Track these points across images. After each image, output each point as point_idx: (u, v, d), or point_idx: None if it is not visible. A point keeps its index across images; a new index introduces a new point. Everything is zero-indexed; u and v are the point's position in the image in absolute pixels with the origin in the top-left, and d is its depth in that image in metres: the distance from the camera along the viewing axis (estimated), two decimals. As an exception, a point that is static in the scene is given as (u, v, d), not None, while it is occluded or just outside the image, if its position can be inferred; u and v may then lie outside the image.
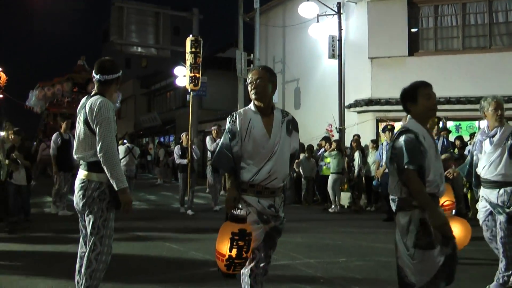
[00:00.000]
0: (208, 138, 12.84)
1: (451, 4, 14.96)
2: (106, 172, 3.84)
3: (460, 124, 14.56)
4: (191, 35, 13.15)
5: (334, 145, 13.07)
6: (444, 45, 15.04)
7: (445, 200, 6.61)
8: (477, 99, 13.64)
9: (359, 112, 15.16)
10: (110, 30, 25.10)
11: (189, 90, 12.91)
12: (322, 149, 13.90)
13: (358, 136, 13.76)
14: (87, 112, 3.96)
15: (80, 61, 26.87)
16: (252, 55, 19.85)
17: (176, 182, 22.92)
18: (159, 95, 38.80)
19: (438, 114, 13.48)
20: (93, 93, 4.16)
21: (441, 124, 13.96)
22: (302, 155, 14.08)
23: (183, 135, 12.42)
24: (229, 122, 3.81)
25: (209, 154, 12.64)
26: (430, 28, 15.19)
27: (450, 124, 14.11)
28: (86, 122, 3.97)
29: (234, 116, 3.86)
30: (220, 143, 3.83)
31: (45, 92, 25.27)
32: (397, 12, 15.02)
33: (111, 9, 24.66)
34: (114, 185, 3.85)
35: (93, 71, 4.17)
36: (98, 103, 3.95)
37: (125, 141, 14.70)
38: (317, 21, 16.41)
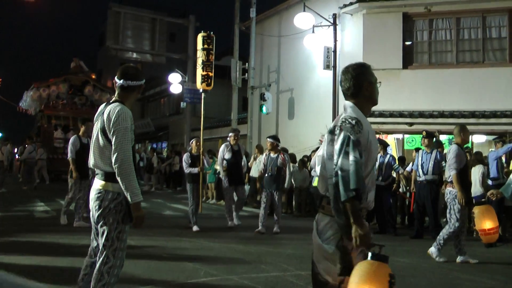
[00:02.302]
0: (224, 146, 11.33)
1: (446, 18, 15.15)
2: (120, 184, 3.70)
3: (453, 138, 14.64)
4: (202, 31, 12.23)
5: None
6: (438, 59, 15.20)
7: (489, 224, 6.67)
8: (471, 113, 13.89)
9: (353, 123, 15.21)
10: (106, 35, 25.10)
11: (201, 91, 12.06)
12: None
13: None
14: (105, 120, 3.81)
15: (73, 63, 26.71)
16: (247, 64, 19.94)
17: (167, 189, 22.93)
18: (153, 101, 38.85)
19: (432, 127, 13.71)
20: (113, 99, 4.00)
21: (434, 138, 14.13)
22: (294, 166, 14.08)
23: (193, 142, 11.26)
24: (355, 132, 2.97)
25: (225, 162, 11.15)
26: (424, 41, 15.37)
27: (443, 138, 14.18)
28: (103, 130, 3.83)
29: (358, 123, 3.03)
30: (353, 160, 2.90)
31: (40, 93, 25.01)
32: (392, 25, 15.18)
33: (107, 13, 24.67)
34: (128, 198, 3.71)
35: (116, 76, 4.02)
36: (116, 111, 3.79)
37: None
38: (313, 32, 16.49)
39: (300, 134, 16.58)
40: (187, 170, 10.82)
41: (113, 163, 3.71)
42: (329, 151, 3.06)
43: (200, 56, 11.58)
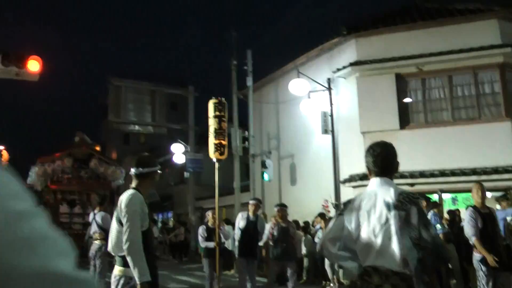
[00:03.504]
0: (240, 215, 10.58)
1: (438, 77, 15.28)
2: (130, 264, 3.84)
3: (456, 196, 14.56)
4: (213, 97, 11.38)
5: (323, 223, 12.99)
6: (434, 117, 15.26)
7: None
8: (472, 170, 13.84)
9: (354, 187, 15.15)
10: (108, 109, 25.44)
11: (214, 160, 10.95)
12: (318, 226, 13.83)
13: (342, 204, 13.53)
14: (118, 208, 4.04)
15: (77, 137, 26.95)
16: (246, 132, 20.06)
17: (174, 259, 22.75)
18: (157, 171, 38.93)
19: (433, 187, 13.65)
20: (130, 187, 4.24)
21: (436, 197, 14.04)
22: (299, 233, 13.96)
23: (209, 213, 10.74)
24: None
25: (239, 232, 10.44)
26: (419, 101, 15.46)
27: (446, 197, 14.12)
28: (117, 218, 4.05)
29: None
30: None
31: (45, 169, 25.11)
32: (386, 86, 15.32)
33: (108, 88, 25.09)
34: (136, 278, 3.82)
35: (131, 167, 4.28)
36: (126, 196, 4.05)
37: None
38: (308, 97, 16.65)
39: (303, 200, 16.50)
40: (203, 244, 10.44)
41: (123, 245, 3.88)
42: (399, 226, 3.00)
43: (212, 124, 10.75)
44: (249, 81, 20.36)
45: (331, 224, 3.36)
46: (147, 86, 26.24)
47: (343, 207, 3.33)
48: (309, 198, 16.71)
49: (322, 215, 14.10)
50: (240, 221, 10.23)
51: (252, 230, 10.23)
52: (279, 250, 10.00)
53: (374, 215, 3.09)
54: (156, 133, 26.98)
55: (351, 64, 15.67)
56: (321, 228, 13.40)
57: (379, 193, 3.15)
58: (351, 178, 15.10)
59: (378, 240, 3.02)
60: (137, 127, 25.95)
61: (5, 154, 50.17)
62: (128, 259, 3.84)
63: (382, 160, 3.33)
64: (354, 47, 16.09)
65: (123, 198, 4.06)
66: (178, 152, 25.04)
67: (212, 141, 10.60)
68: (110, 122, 24.98)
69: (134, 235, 3.88)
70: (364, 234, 3.09)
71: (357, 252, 3.14)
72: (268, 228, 10.30)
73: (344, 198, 15.31)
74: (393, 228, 3.01)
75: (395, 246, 2.99)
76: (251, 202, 10.55)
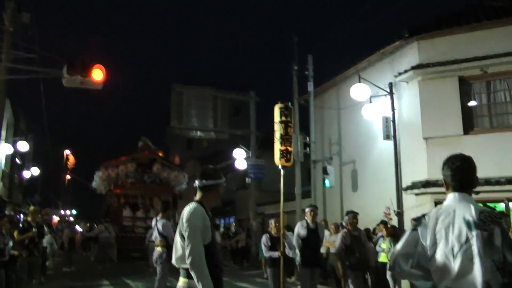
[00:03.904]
0: (299, 224, 10.26)
1: (503, 79, 14.70)
2: (194, 279, 3.87)
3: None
4: (279, 102, 10.95)
5: (384, 231, 12.70)
6: (499, 121, 14.68)
7: None
8: (540, 177, 13.22)
9: (416, 194, 14.81)
10: (170, 115, 25.78)
11: (280, 167, 10.52)
12: (380, 234, 13.52)
13: (415, 219, 13.08)
14: (180, 219, 4.07)
15: (141, 142, 27.49)
16: (308, 137, 19.98)
17: (235, 265, 22.84)
18: (220, 176, 39.26)
19: (500, 195, 13.15)
20: (194, 200, 4.24)
21: (503, 205, 13.51)
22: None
23: (272, 222, 10.32)
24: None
25: (300, 241, 10.08)
26: (483, 104, 14.91)
27: (513, 206, 13.60)
28: (180, 231, 4.06)
29: None
30: None
31: (109, 173, 25.78)
32: (449, 90, 14.86)
33: (170, 94, 25.41)
34: None
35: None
36: (188, 209, 4.05)
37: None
38: (370, 102, 16.40)
39: (365, 206, 16.21)
40: (266, 254, 10.01)
41: (186, 259, 3.91)
42: (481, 248, 2.80)
43: (278, 129, 10.35)
44: (310, 86, 20.32)
45: (403, 239, 3.20)
46: (209, 92, 26.40)
47: (417, 222, 3.17)
48: (371, 205, 16.44)
49: (384, 223, 13.81)
50: (301, 231, 9.96)
51: (314, 239, 10.01)
52: (354, 260, 9.70)
53: (453, 233, 2.92)
54: (218, 138, 27.11)
55: (413, 68, 15.30)
56: (382, 236, 13.11)
57: (457, 210, 2.99)
58: (414, 185, 14.74)
59: (457, 261, 2.84)
60: (199, 133, 26.13)
61: (72, 158, 51.75)
62: (192, 273, 3.87)
63: (462, 174, 3.14)
64: (416, 50, 15.73)
65: (185, 211, 4.06)
66: (240, 158, 25.15)
67: (277, 147, 10.32)
68: (173, 128, 25.26)
69: (195, 251, 3.89)
70: (441, 253, 2.92)
71: (431, 271, 2.99)
72: (340, 237, 9.90)
73: (406, 205, 15.02)
74: (475, 249, 2.81)
75: (477, 269, 2.78)
76: (307, 209, 10.34)
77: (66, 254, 20.72)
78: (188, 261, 3.88)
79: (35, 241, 10.45)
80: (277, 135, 10.38)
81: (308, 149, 19.96)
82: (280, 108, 10.36)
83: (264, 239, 10.14)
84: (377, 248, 13.17)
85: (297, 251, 10.08)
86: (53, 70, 15.07)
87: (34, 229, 10.41)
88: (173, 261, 4.18)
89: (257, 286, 15.10)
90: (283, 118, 10.31)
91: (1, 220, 11.62)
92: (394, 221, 15.05)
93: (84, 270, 19.43)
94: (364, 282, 10.09)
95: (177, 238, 4.11)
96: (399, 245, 3.17)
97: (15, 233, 10.88)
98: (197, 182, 4.25)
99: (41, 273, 14.29)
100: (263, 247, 10.20)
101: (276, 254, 9.64)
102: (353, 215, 9.96)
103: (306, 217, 10.20)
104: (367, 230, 14.39)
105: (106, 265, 19.96)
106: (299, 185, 20.45)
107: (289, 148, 10.30)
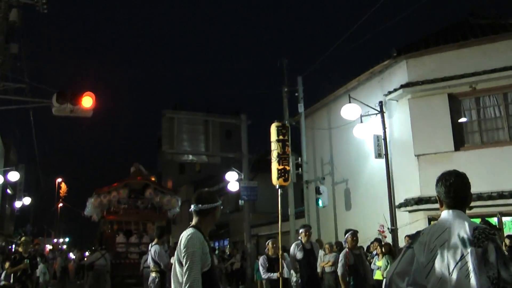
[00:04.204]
0: (294, 245, 10.08)
1: (492, 95, 14.85)
2: None
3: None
4: (276, 121, 10.80)
5: (379, 249, 12.72)
6: (490, 137, 14.81)
7: None
8: (532, 191, 13.31)
9: (410, 211, 14.86)
10: (162, 140, 25.79)
11: (277, 187, 10.33)
12: (374, 252, 13.55)
13: (409, 236, 13.09)
14: (178, 246, 3.94)
15: (133, 167, 27.43)
16: (300, 158, 20.02)
17: (230, 288, 22.71)
18: (213, 200, 39.23)
19: (492, 209, 13.23)
20: (190, 225, 4.11)
21: (496, 220, 13.57)
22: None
23: (269, 243, 10.05)
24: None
25: (296, 264, 10.03)
26: (474, 120, 15.06)
27: (506, 219, 13.67)
28: (178, 259, 3.93)
29: None
30: None
31: (101, 200, 25.55)
32: (439, 107, 15.02)
33: (162, 120, 25.43)
34: None
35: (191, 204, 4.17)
36: (186, 235, 3.91)
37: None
38: (361, 122, 16.50)
39: (359, 224, 16.14)
40: (265, 275, 9.70)
41: (183, 287, 3.75)
42: (476, 264, 2.85)
43: (275, 148, 10.10)
44: (301, 108, 20.40)
45: (399, 257, 3.22)
46: (200, 116, 26.43)
47: (412, 240, 3.18)
48: (365, 223, 16.45)
49: (378, 241, 13.84)
50: (297, 252, 9.78)
51: (311, 259, 9.91)
52: (359, 279, 9.35)
53: (448, 250, 2.94)
54: (210, 162, 27.08)
55: (402, 86, 15.47)
56: (377, 254, 13.15)
57: (452, 227, 3.01)
58: (407, 203, 14.80)
59: (453, 278, 2.87)
60: (191, 157, 26.09)
61: (64, 186, 51.48)
62: None
63: (456, 191, 3.16)
64: (405, 69, 15.90)
65: (182, 238, 3.94)
66: (233, 180, 25.11)
67: (275, 166, 10.09)
68: (165, 153, 25.22)
69: (193, 278, 3.76)
70: (437, 269, 2.95)
71: None
72: (342, 257, 9.44)
73: (400, 222, 15.06)
74: (470, 266, 2.86)
75: (472, 285, 2.83)
76: (301, 230, 10.19)
77: (59, 283, 20.53)
78: None
79: (27, 273, 10.30)
80: (274, 154, 10.20)
81: (300, 169, 19.98)
82: (277, 127, 10.23)
83: (262, 260, 9.91)
84: (372, 266, 13.18)
85: (293, 272, 10.03)
86: (42, 100, 15.15)
87: (26, 261, 10.28)
88: None
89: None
90: (280, 137, 10.16)
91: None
92: (388, 239, 15.07)
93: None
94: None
95: (176, 265, 3.98)
96: (395, 264, 3.19)
97: (7, 265, 10.80)
98: (193, 207, 4.13)
99: (35, 304, 14.18)
100: (260, 268, 9.97)
101: (274, 275, 9.42)
102: (353, 233, 9.70)
103: (300, 238, 10.04)
104: (361, 248, 14.39)
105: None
106: (292, 205, 20.44)
107: (287, 168, 10.10)
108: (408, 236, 12.82)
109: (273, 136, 10.25)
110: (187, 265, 3.78)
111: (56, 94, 13.99)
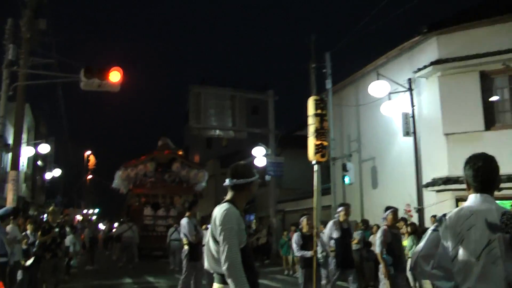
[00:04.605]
0: (331, 223, 9.91)
1: (526, 73, 14.45)
2: (230, 285, 3.61)
3: None
4: (313, 95, 10.45)
5: (405, 229, 12.59)
6: (522, 117, 14.46)
7: None
8: None
9: (437, 191, 14.67)
10: (189, 115, 25.83)
11: (313, 162, 9.80)
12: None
13: (435, 218, 12.79)
14: (213, 223, 3.82)
15: (160, 141, 27.61)
16: (326, 135, 19.90)
17: (256, 263, 22.84)
18: (239, 175, 39.30)
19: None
20: (224, 199, 3.96)
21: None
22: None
23: (303, 220, 9.69)
24: None
25: (332, 242, 9.81)
26: (505, 99, 14.69)
27: (536, 201, 13.40)
28: (212, 234, 3.81)
29: None
30: None
31: (128, 173, 25.94)
32: (470, 85, 14.67)
33: (188, 95, 25.44)
34: None
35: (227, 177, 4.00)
36: (221, 211, 3.76)
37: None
38: (389, 99, 16.28)
39: (385, 203, 15.87)
40: (298, 253, 9.41)
41: (222, 264, 3.65)
42: (504, 250, 2.79)
43: (313, 122, 9.51)
44: (328, 84, 20.20)
45: (424, 239, 3.15)
46: (227, 91, 26.36)
47: (438, 223, 3.11)
48: (391, 202, 15.99)
49: (404, 220, 13.72)
50: (334, 232, 9.64)
51: (348, 239, 9.81)
52: (395, 259, 8.92)
53: (475, 235, 2.88)
54: (237, 137, 27.09)
55: (432, 63, 15.14)
56: (402, 234, 13.02)
57: (479, 212, 2.94)
58: (434, 182, 14.60)
59: (480, 263, 2.82)
60: (217, 132, 26.11)
61: (92, 159, 52.19)
62: (229, 281, 3.61)
63: (484, 175, 3.06)
64: (435, 46, 15.58)
65: (217, 214, 3.79)
66: (259, 156, 25.10)
67: (312, 142, 9.52)
68: (191, 128, 25.29)
69: (232, 256, 3.61)
70: (463, 254, 2.89)
71: (453, 272, 2.95)
72: (380, 236, 9.03)
73: (427, 202, 14.90)
74: (497, 252, 2.80)
75: (499, 271, 2.79)
76: (340, 208, 9.97)
77: (88, 253, 20.92)
78: (224, 267, 3.62)
79: (57, 241, 10.49)
80: (311, 129, 9.59)
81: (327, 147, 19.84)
82: (315, 100, 9.71)
83: (296, 237, 9.56)
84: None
85: (319, 249, 9.79)
86: (70, 74, 15.34)
87: (55, 230, 10.46)
88: (206, 266, 3.93)
89: (279, 283, 15.09)
90: (318, 111, 9.58)
91: (26, 220, 11.77)
92: (415, 218, 14.95)
93: (107, 268, 19.62)
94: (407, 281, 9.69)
95: (210, 242, 3.85)
96: (420, 246, 3.13)
97: (39, 234, 11.00)
98: (227, 181, 3.93)
99: (66, 272, 14.48)
100: (294, 246, 9.63)
101: (309, 253, 9.10)
102: (394, 211, 9.23)
103: (338, 216, 9.83)
104: (398, 228, 14.29)
105: (128, 265, 20.06)
106: (319, 182, 20.35)
107: (324, 143, 9.54)
108: (433, 216, 12.71)
109: (311, 110, 9.69)
110: (224, 242, 3.64)
111: (83, 69, 14.16)
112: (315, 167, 9.91)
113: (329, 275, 9.95)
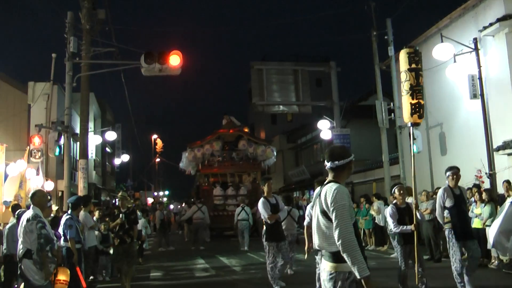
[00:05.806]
0: (442, 190, 8.68)
1: None
2: (346, 260, 3.81)
3: None
4: (405, 47, 9.38)
5: (477, 196, 12.11)
6: None
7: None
8: None
9: (509, 154, 14.08)
10: (252, 92, 25.80)
11: (410, 124, 9.16)
12: (472, 199, 12.87)
13: (509, 182, 11.98)
14: (323, 201, 4.04)
15: (224, 120, 27.67)
16: (391, 103, 19.47)
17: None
18: (306, 149, 39.18)
19: None
20: (327, 180, 4.26)
21: None
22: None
23: (395, 190, 8.67)
24: None
25: (446, 212, 8.61)
26: None
27: None
28: (323, 211, 4.05)
29: None
30: None
31: (195, 153, 25.99)
32: (542, 41, 13.93)
33: (250, 72, 25.37)
34: (356, 273, 3.78)
35: (325, 160, 4.32)
36: (332, 190, 4.00)
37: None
38: (454, 61, 15.67)
39: (455, 170, 15.63)
40: (396, 228, 8.31)
41: (336, 241, 3.85)
42: None
43: (407, 79, 8.73)
44: (391, 51, 19.69)
45: (501, 214, 2.97)
46: (289, 66, 26.13)
47: None
48: (461, 168, 15.62)
49: (477, 186, 13.21)
50: (447, 200, 8.38)
51: (463, 207, 8.50)
52: (461, 222, 8.05)
53: None
54: (302, 111, 26.87)
55: (499, 20, 14.42)
56: (475, 201, 12.55)
57: None
58: (506, 145, 14.00)
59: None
60: (281, 107, 25.95)
61: (159, 142, 53.25)
62: (345, 256, 3.79)
63: None
64: (502, 0, 14.80)
65: (328, 191, 4.02)
66: (325, 129, 24.83)
67: (407, 100, 8.76)
68: (254, 105, 25.22)
69: (347, 232, 3.83)
70: None
71: None
72: (441, 193, 8.45)
73: (498, 167, 14.33)
74: None
75: None
76: (448, 173, 8.66)
77: (159, 235, 21.31)
78: (339, 243, 3.82)
79: (124, 228, 10.50)
80: (405, 86, 8.79)
81: (393, 115, 19.42)
82: (408, 54, 8.81)
83: (391, 210, 8.52)
84: (470, 214, 11.93)
85: (389, 221, 9.17)
86: (131, 61, 15.65)
87: (122, 215, 10.46)
88: (316, 243, 4.16)
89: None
90: (413, 65, 8.70)
91: (100, 207, 12.05)
92: (486, 184, 14.40)
93: (179, 250, 19.96)
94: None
95: (319, 217, 4.09)
96: (497, 221, 2.95)
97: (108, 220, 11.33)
98: (329, 164, 4.23)
99: (139, 255, 14.82)
100: (389, 220, 8.63)
101: (408, 228, 8.16)
102: (454, 171, 8.57)
103: (448, 182, 8.57)
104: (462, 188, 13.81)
105: (199, 246, 20.31)
106: (386, 152, 19.97)
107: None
108: (506, 181, 12.11)
109: (403, 65, 8.86)
110: (338, 218, 3.87)
111: (144, 55, 14.39)
112: (411, 130, 9.23)
113: (450, 251, 8.45)
